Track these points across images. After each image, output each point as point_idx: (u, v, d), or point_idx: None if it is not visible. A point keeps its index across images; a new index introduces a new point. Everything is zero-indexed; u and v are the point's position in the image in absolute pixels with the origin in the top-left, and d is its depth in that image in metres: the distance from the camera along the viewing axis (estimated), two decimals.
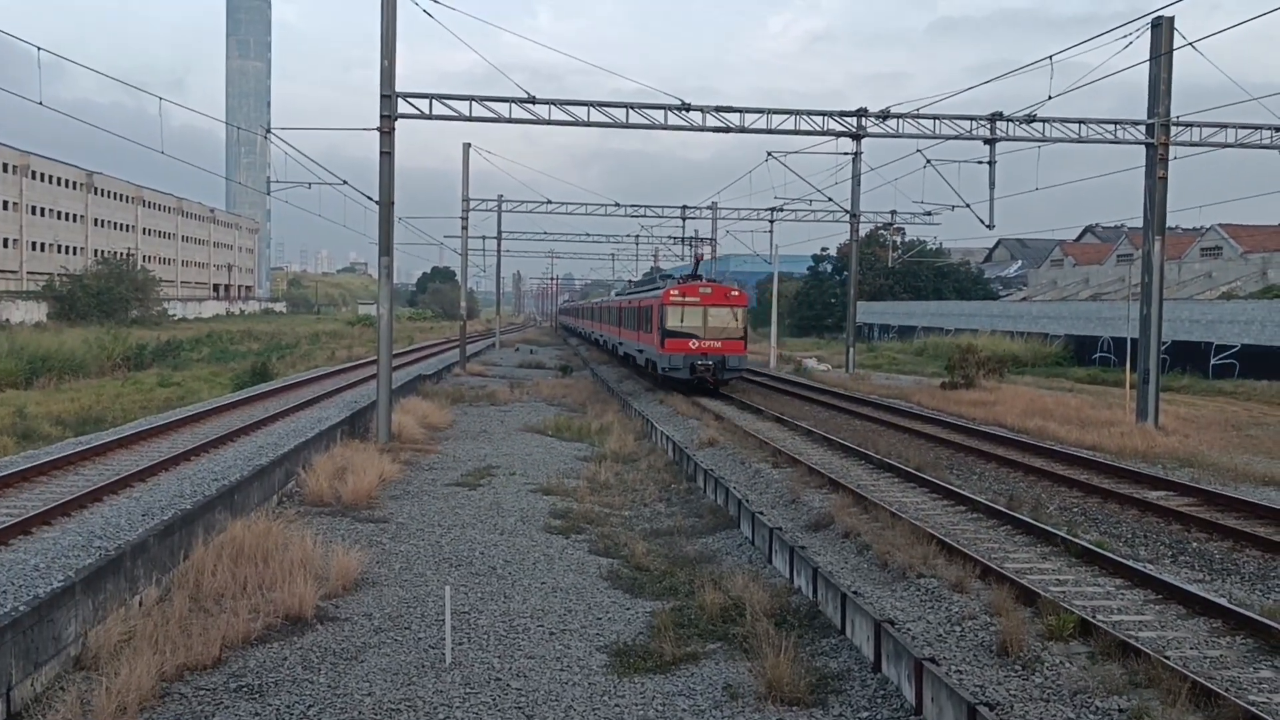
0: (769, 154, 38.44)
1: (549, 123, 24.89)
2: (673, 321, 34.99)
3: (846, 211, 46.93)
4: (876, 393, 36.71)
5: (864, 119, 27.67)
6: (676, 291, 35.35)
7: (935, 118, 26.79)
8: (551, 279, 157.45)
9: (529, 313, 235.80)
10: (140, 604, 10.56)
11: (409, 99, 23.53)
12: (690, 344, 34.84)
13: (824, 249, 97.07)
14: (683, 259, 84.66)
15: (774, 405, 32.17)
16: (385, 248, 23.25)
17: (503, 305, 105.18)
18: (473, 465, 20.91)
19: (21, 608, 8.66)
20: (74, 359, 45.09)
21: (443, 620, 10.28)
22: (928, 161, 30.25)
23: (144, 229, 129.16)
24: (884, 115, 27.04)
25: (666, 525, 15.66)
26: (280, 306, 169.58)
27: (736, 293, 35.90)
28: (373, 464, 18.56)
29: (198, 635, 9.66)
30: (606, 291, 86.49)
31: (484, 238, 77.90)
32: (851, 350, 46.97)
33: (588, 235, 74.75)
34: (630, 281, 76.57)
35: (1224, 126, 26.52)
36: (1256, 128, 26.57)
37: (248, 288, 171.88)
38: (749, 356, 38.46)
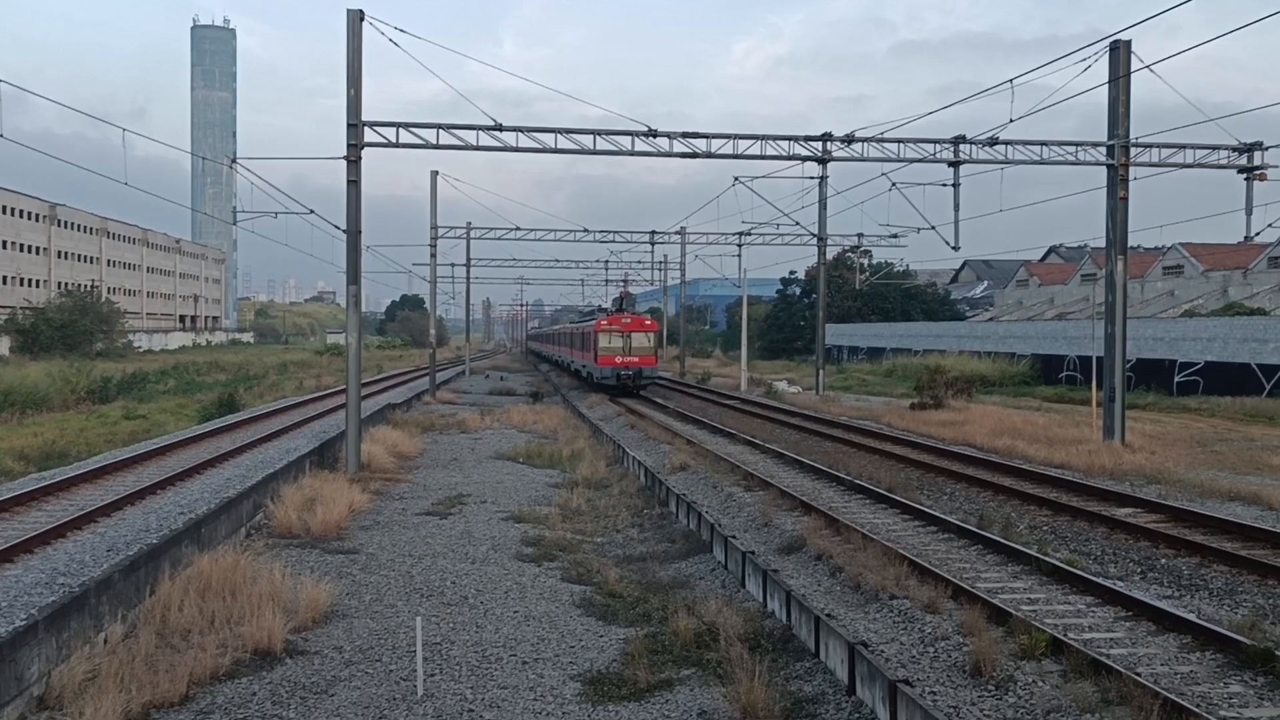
0: (736, 179, 38.64)
1: (516, 149, 24.94)
2: (604, 344, 48.08)
3: (813, 235, 47.23)
4: (847, 414, 36.86)
5: (829, 143, 27.90)
6: (606, 321, 48.83)
7: (899, 141, 27.07)
8: (521, 305, 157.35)
9: (499, 339, 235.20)
10: (105, 641, 10.39)
11: (375, 128, 23.52)
12: (616, 359, 47.78)
13: (792, 272, 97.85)
14: (653, 284, 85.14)
15: (745, 428, 32.25)
16: (353, 276, 23.17)
17: (472, 332, 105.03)
18: (443, 494, 20.79)
19: None
20: (37, 393, 44.50)
21: (414, 651, 10.18)
22: (893, 184, 30.52)
23: (108, 260, 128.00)
24: (849, 139, 27.29)
25: (639, 551, 15.62)
26: (248, 337, 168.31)
27: (649, 321, 49.78)
28: (342, 494, 18.41)
29: (164, 672, 9.51)
30: (576, 317, 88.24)
31: (453, 265, 77.67)
32: (821, 372, 47.17)
33: (556, 261, 75.14)
34: (585, 311, 78.32)
35: (1183, 147, 26.96)
36: (1215, 148, 27.02)
37: (214, 318, 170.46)
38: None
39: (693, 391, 52.09)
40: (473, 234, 58.98)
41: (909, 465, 23.86)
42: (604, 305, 64.74)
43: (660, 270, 79.01)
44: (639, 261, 77.12)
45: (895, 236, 53.73)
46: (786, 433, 31.74)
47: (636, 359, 48.00)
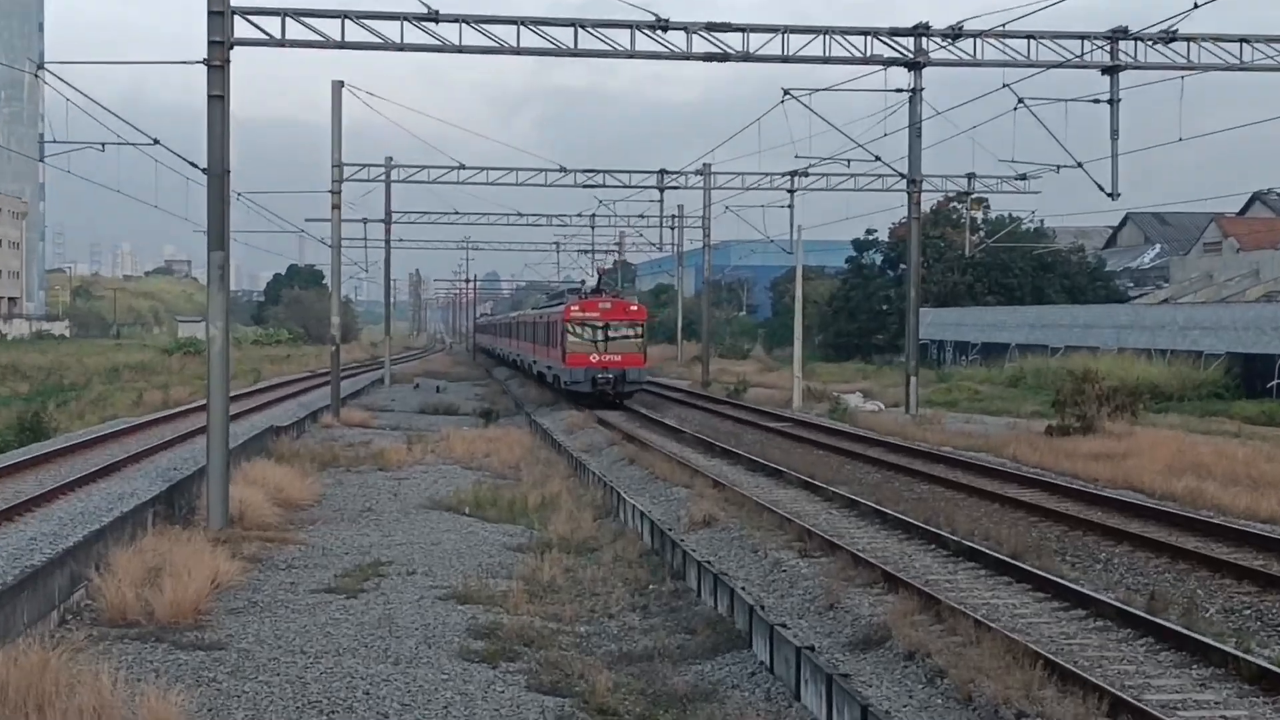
0: (786, 93, 38.74)
1: (459, 49, 24.98)
2: (574, 337, 52.37)
3: (901, 176, 47.28)
4: (951, 443, 36.87)
5: (925, 39, 27.96)
6: (577, 307, 53.29)
7: (1029, 36, 27.12)
8: (466, 281, 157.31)
9: (435, 331, 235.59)
10: None
11: (250, 17, 23.58)
12: (591, 358, 51.89)
13: (870, 232, 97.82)
14: (661, 248, 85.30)
15: (800, 464, 32.27)
16: (218, 239, 23.18)
17: (396, 321, 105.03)
18: (352, 561, 20.82)
19: None
20: None
21: None
22: (1020, 101, 30.56)
23: None
24: (954, 34, 27.34)
25: (643, 646, 15.63)
26: (61, 327, 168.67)
27: (635, 307, 55.35)
28: (202, 561, 18.44)
29: None
30: (545, 299, 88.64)
31: (366, 221, 77.96)
32: (914, 381, 47.17)
33: (519, 215, 74.88)
34: (554, 292, 79.81)
35: None
36: None
37: (12, 300, 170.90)
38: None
39: (721, 408, 52.06)
40: (396, 175, 59.13)
41: (1044, 518, 23.85)
42: (585, 280, 66.56)
43: (673, 228, 79.16)
44: (640, 216, 76.60)
45: (1023, 178, 53.75)
46: (861, 470, 31.78)
47: (618, 357, 52.32)
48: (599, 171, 58.64)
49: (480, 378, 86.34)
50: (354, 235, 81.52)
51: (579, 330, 52.40)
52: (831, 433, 40.72)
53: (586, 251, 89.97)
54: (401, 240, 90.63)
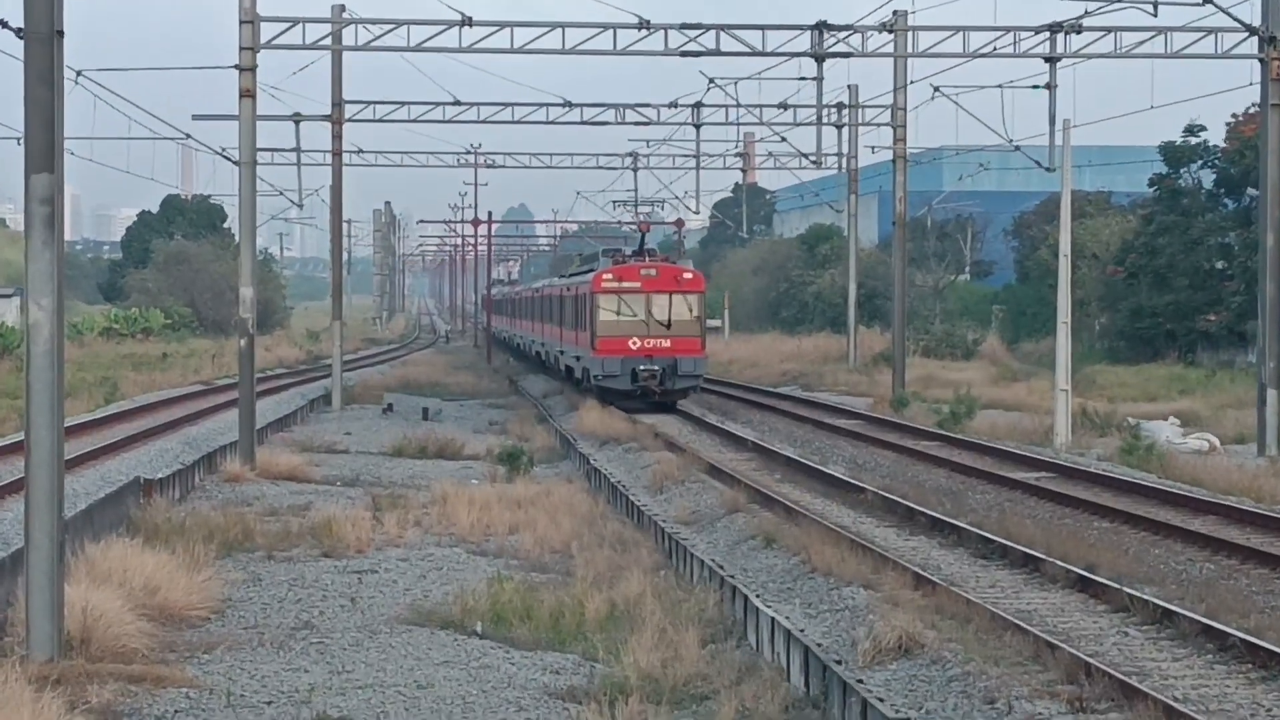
0: None
1: None
2: (607, 314, 64.45)
3: (1250, 31, 46.97)
4: None
5: None
6: (610, 275, 65.60)
7: None
8: (474, 223, 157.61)
9: (419, 311, 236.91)
10: None
11: None
12: (630, 344, 63.98)
13: (1193, 130, 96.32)
14: (819, 162, 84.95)
15: (1069, 546, 32.13)
16: (44, 153, 23.34)
17: (351, 295, 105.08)
18: (279, 716, 20.89)
19: None
20: None
21: None
22: None
23: None
24: None
25: None
26: None
27: (690, 275, 67.51)
28: (18, 716, 18.60)
29: None
30: (579, 263, 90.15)
31: (299, 118, 78.02)
32: (1273, 397, 46.84)
33: (567, 106, 74.58)
34: (587, 255, 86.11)
35: None
36: None
37: None
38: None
39: (927, 446, 52.00)
40: (351, 38, 59.28)
41: None
42: (681, 221, 71.50)
43: (839, 126, 78.95)
44: (781, 106, 75.78)
45: None
46: (1180, 557, 31.89)
47: (667, 342, 64.35)
48: (706, 27, 57.80)
49: (498, 392, 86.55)
50: (280, 144, 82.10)
51: (613, 305, 64.17)
52: (1125, 489, 40.50)
53: (717, 156, 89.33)
54: (362, 152, 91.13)
